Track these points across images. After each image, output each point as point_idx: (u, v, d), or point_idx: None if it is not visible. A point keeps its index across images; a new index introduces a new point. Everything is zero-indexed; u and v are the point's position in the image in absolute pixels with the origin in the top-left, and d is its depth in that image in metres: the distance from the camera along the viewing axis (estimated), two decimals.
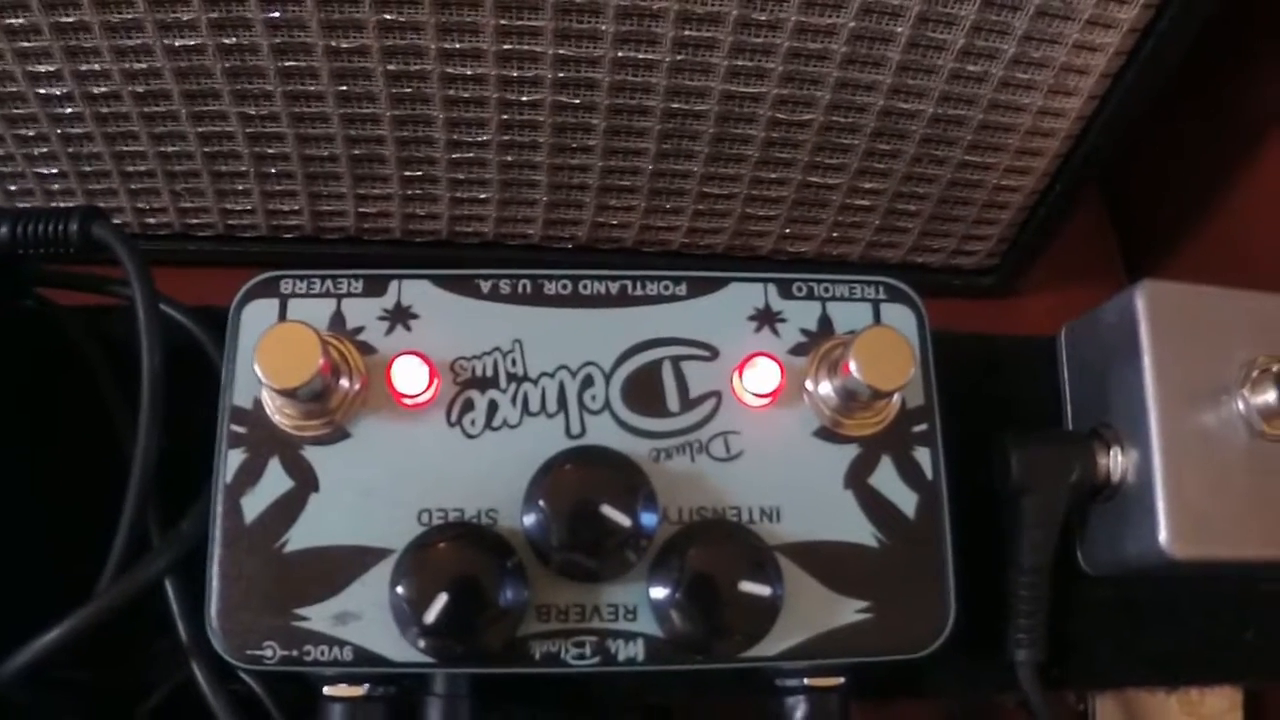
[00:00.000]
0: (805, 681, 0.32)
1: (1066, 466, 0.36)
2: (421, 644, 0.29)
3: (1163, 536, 0.34)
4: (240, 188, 0.43)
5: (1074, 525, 0.38)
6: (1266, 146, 0.46)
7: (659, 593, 0.29)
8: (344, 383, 0.31)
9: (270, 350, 0.29)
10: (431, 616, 0.28)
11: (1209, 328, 0.36)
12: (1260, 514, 0.35)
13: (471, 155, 0.41)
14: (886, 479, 0.32)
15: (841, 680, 0.32)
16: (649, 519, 0.29)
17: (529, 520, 0.29)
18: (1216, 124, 0.50)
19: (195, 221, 0.45)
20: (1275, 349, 0.36)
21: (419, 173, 0.42)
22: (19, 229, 0.33)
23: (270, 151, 0.41)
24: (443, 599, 0.27)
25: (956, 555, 0.32)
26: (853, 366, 0.30)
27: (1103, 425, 0.37)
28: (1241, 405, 0.35)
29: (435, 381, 0.32)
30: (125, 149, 0.41)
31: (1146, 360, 0.35)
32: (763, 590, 0.29)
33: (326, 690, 0.32)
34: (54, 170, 0.42)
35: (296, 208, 0.44)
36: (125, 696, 0.35)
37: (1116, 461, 0.36)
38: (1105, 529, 0.37)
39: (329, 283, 0.33)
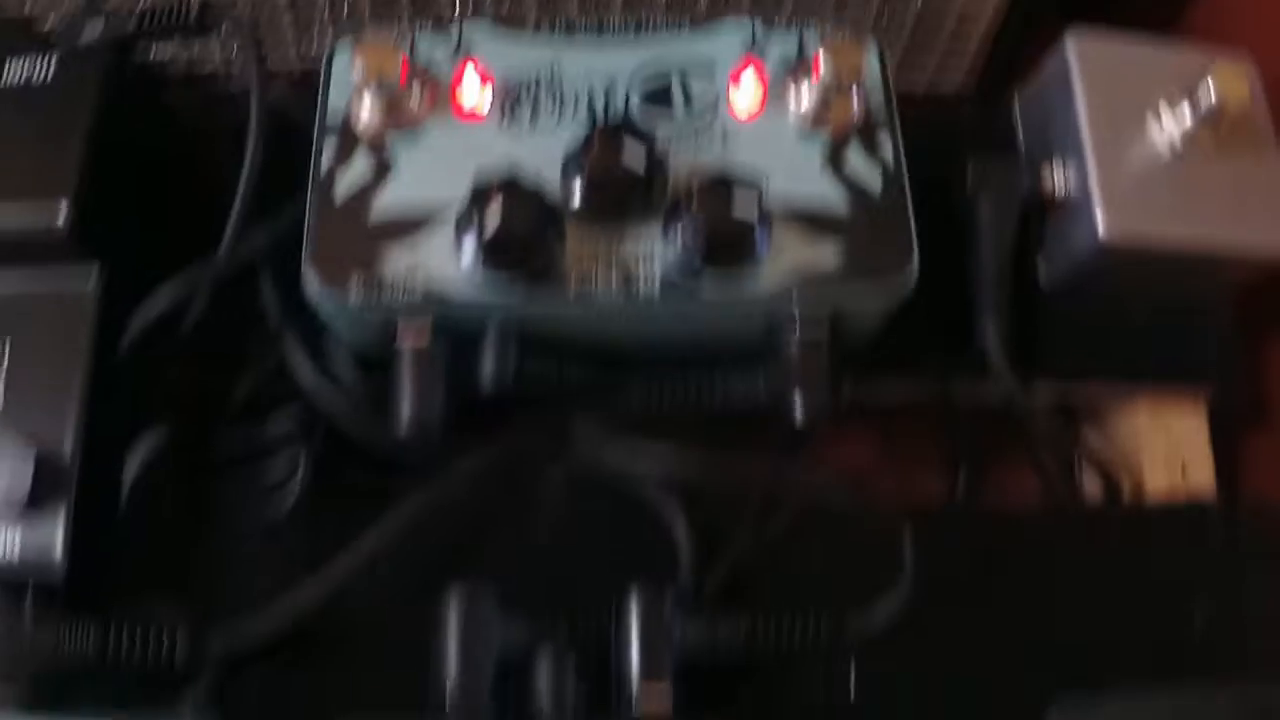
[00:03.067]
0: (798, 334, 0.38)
1: (1016, 176, 0.42)
2: (481, 258, 0.36)
3: (1100, 227, 0.40)
4: None
5: (1033, 243, 0.44)
6: None
7: (669, 229, 0.36)
8: (417, 91, 0.39)
9: (362, 51, 0.37)
10: (492, 222, 0.35)
11: (1134, 69, 0.43)
12: (1183, 215, 0.41)
13: None
14: (856, 162, 0.39)
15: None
16: (661, 166, 0.37)
17: (567, 169, 0.37)
18: None
19: None
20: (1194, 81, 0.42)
21: None
22: None
23: None
24: (499, 199, 0.35)
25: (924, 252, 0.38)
26: (821, 58, 0.38)
27: (1048, 156, 0.43)
28: (1169, 125, 0.42)
29: (490, 96, 0.39)
30: None
31: (1078, 88, 0.42)
32: (751, 212, 0.35)
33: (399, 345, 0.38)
34: None
35: None
36: (215, 395, 0.42)
37: (1060, 176, 0.42)
38: (1057, 237, 0.43)
39: (403, 28, 0.41)
